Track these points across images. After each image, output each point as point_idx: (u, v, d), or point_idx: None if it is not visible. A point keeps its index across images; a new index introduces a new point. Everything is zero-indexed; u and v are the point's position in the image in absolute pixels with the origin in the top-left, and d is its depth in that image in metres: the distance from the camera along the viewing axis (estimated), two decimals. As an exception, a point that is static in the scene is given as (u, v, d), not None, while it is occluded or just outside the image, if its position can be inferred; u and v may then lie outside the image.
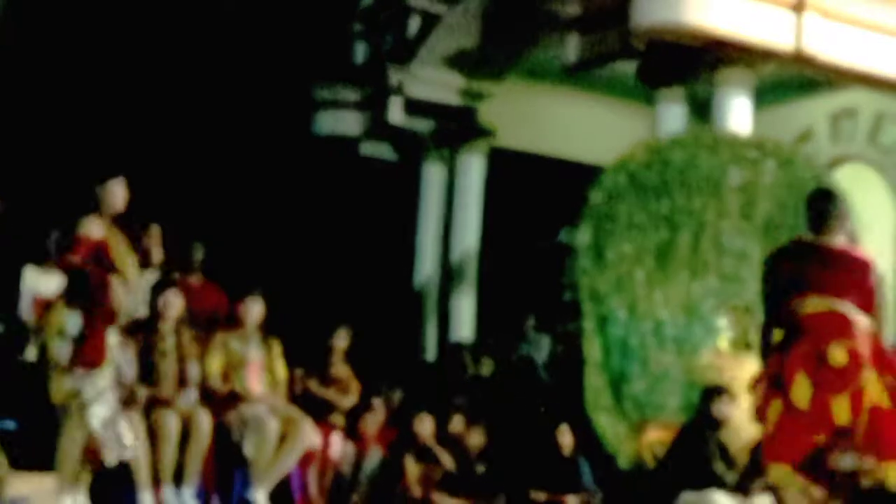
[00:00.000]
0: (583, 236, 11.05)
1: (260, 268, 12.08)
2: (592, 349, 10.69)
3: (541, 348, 13.57)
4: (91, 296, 7.10)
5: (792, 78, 14.57)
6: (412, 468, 9.73)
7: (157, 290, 9.27)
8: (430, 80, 14.95)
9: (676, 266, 10.69)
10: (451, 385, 12.37)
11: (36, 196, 10.21)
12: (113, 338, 7.19)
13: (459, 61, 14.84)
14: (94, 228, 7.13)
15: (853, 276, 6.45)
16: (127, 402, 7.78)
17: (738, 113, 12.22)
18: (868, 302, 6.40)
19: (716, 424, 9.42)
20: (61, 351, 7.07)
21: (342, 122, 15.59)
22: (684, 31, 11.75)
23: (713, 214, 10.85)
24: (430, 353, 15.36)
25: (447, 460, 9.83)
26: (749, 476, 9.64)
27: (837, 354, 6.13)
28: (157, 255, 7.48)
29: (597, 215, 11.02)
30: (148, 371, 8.74)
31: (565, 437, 10.07)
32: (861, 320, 6.31)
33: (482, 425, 10.21)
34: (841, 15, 12.05)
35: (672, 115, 12.54)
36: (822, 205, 6.67)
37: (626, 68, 13.39)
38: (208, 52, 14.46)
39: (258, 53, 14.62)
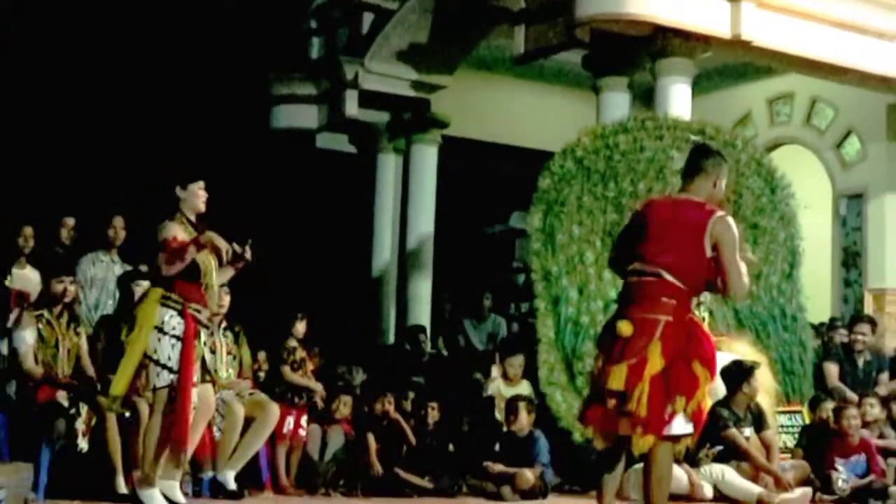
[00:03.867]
0: (534, 220, 11.08)
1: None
2: (545, 328, 10.72)
3: (497, 327, 13.63)
4: (184, 296, 7.14)
5: (730, 65, 14.74)
6: (374, 446, 9.75)
7: (125, 281, 9.26)
8: (383, 74, 14.95)
9: (624, 247, 10.72)
10: (410, 365, 12.42)
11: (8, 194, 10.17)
12: (203, 336, 7.23)
13: (412, 55, 14.86)
14: (179, 232, 7.14)
15: (683, 231, 6.16)
16: None
17: (679, 99, 12.27)
18: (696, 260, 6.11)
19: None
20: (162, 347, 7.07)
21: (299, 115, 15.60)
22: (627, 21, 11.80)
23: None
24: (390, 335, 15.41)
25: (410, 435, 9.86)
26: (698, 446, 9.70)
27: (623, 327, 6.03)
28: (226, 254, 7.43)
29: (547, 200, 11.06)
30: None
31: (521, 417, 10.06)
32: (672, 288, 6.10)
33: (439, 402, 10.23)
34: (774, 4, 12.14)
35: (616, 102, 12.59)
36: (689, 157, 6.46)
37: (572, 58, 13.48)
38: (169, 51, 14.43)
39: (217, 51, 14.59)
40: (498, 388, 10.88)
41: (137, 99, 14.25)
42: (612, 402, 6.11)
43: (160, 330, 7.10)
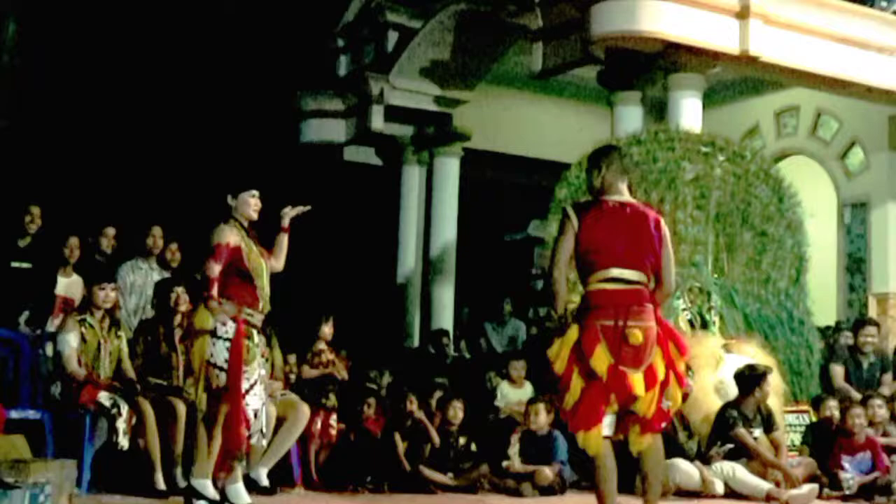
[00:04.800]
0: (551, 228, 11.03)
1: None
2: (562, 331, 10.64)
3: (517, 330, 13.59)
4: (236, 300, 7.13)
5: (738, 80, 14.68)
6: (401, 445, 9.71)
7: (163, 287, 9.26)
8: (408, 90, 14.99)
9: (637, 253, 10.67)
10: (434, 367, 12.39)
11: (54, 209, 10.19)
12: (256, 337, 7.21)
13: (434, 71, 14.88)
14: (232, 236, 7.16)
15: (647, 237, 6.14)
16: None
17: (690, 112, 12.25)
18: (658, 263, 6.14)
19: (677, 398, 9.37)
20: (217, 351, 7.06)
21: (328, 129, 15.63)
22: (639, 38, 11.78)
23: (670, 205, 10.86)
24: (414, 339, 15.39)
25: (434, 435, 9.81)
26: (710, 445, 9.65)
27: (637, 335, 5.92)
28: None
29: (563, 209, 10.99)
30: (158, 363, 8.77)
31: (540, 417, 9.97)
32: (650, 295, 6.10)
33: (462, 403, 10.18)
34: (781, 21, 12.10)
35: (630, 115, 12.57)
36: (609, 161, 6.29)
37: (587, 74, 13.44)
38: (205, 70, 14.49)
39: (250, 68, 14.63)
40: (502, 390, 10.88)
41: (175, 115, 14.30)
42: (614, 407, 6.07)
43: (214, 335, 7.07)
